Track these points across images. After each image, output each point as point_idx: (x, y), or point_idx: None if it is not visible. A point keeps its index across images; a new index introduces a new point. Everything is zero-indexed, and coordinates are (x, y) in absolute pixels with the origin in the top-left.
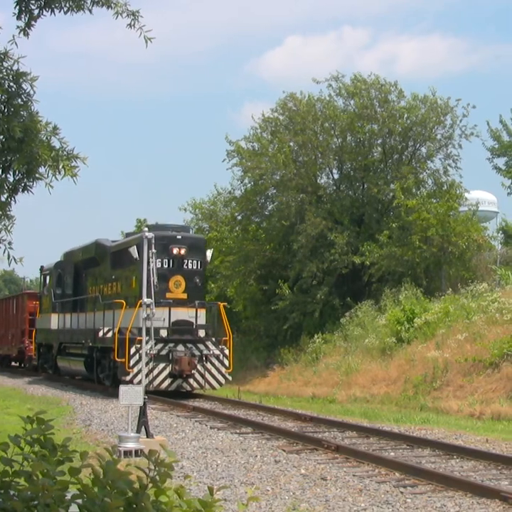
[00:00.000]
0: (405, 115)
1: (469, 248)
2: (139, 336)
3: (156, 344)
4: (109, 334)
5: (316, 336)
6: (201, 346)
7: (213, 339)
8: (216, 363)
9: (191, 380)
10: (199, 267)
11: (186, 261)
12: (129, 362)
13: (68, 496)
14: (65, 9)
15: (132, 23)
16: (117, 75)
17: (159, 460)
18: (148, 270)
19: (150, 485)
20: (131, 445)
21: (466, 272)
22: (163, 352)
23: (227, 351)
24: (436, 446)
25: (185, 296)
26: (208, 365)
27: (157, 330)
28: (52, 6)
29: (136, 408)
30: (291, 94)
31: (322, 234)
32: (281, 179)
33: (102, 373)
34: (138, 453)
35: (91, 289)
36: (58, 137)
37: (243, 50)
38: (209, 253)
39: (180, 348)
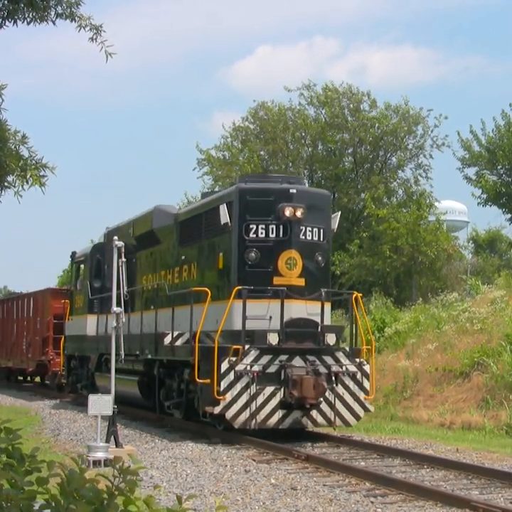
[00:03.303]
0: (376, 125)
1: (439, 258)
2: (236, 344)
3: (260, 356)
4: (182, 341)
5: None
6: (329, 359)
7: (346, 348)
8: (351, 385)
9: (314, 413)
10: (322, 239)
11: (303, 228)
12: (219, 384)
13: (36, 506)
14: (28, 20)
15: (94, 36)
16: (86, 83)
17: (124, 468)
18: (118, 278)
19: (117, 493)
20: (100, 455)
21: (437, 282)
22: (272, 368)
23: (367, 367)
24: (407, 455)
25: (302, 281)
26: (340, 389)
27: (262, 333)
28: (15, 17)
29: (105, 418)
30: (262, 103)
31: None
32: None
33: (168, 400)
34: (107, 463)
35: (146, 277)
36: (27, 146)
37: (213, 60)
38: (335, 217)
39: (299, 362)
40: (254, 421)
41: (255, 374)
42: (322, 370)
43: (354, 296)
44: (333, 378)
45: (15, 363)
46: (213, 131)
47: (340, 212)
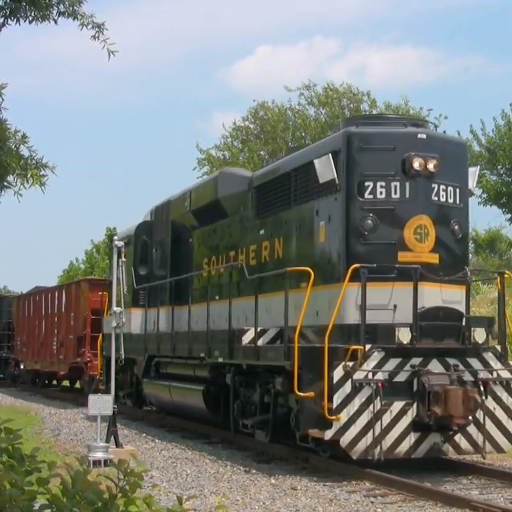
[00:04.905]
0: None
1: None
2: (351, 344)
3: (385, 359)
4: (264, 340)
5: None
6: (475, 363)
7: (498, 348)
8: (504, 397)
9: (457, 438)
10: (459, 201)
11: (436, 186)
12: (330, 399)
13: (37, 506)
14: (30, 18)
15: (97, 35)
16: (86, 83)
17: (129, 470)
18: (118, 280)
19: (119, 495)
20: (100, 455)
21: None
22: (401, 376)
23: None
24: None
25: (435, 257)
26: (490, 404)
27: (389, 329)
28: (18, 16)
29: (105, 418)
30: (262, 103)
31: None
32: None
33: (245, 418)
34: (107, 463)
35: (207, 261)
36: (27, 145)
37: (213, 60)
38: (474, 172)
39: (437, 366)
40: (378, 449)
41: (379, 384)
42: (467, 377)
43: (506, 276)
44: (482, 388)
45: (43, 365)
46: (213, 131)
47: (478, 167)
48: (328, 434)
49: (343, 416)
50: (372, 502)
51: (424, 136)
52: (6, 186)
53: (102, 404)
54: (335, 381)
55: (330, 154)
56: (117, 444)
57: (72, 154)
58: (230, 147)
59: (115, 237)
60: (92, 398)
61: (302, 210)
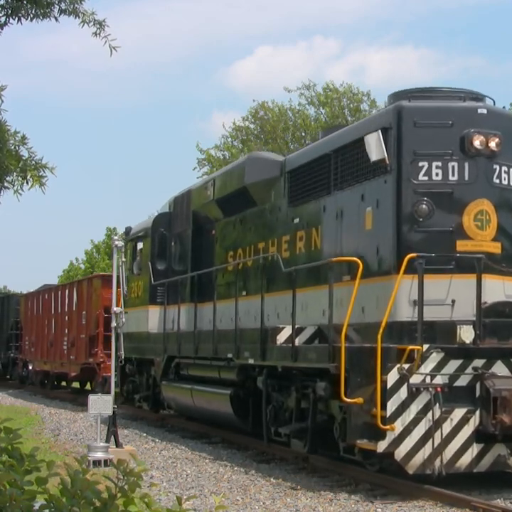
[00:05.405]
0: None
1: None
2: (406, 343)
3: (445, 361)
4: (301, 339)
5: None
6: None
7: None
8: None
9: None
10: None
11: (497, 167)
12: (383, 406)
13: (36, 506)
14: (31, 16)
15: (98, 31)
16: (86, 84)
17: (128, 469)
18: (118, 279)
19: (119, 495)
20: (100, 455)
21: None
22: (463, 380)
23: None
24: None
25: (497, 247)
26: None
27: (449, 326)
28: (19, 14)
29: (105, 417)
30: (262, 103)
31: None
32: None
33: (279, 425)
34: (107, 463)
35: (232, 254)
36: (26, 147)
37: (213, 60)
38: None
39: (502, 369)
40: (438, 462)
41: (439, 389)
42: None
43: None
44: None
45: (53, 366)
46: (213, 131)
47: None
48: (382, 446)
49: (398, 425)
50: (372, 502)
51: (484, 111)
52: (5, 187)
53: (102, 404)
54: (389, 386)
55: (379, 131)
56: (117, 444)
57: (72, 154)
58: (229, 147)
59: (115, 237)
60: (92, 398)
61: (345, 195)
